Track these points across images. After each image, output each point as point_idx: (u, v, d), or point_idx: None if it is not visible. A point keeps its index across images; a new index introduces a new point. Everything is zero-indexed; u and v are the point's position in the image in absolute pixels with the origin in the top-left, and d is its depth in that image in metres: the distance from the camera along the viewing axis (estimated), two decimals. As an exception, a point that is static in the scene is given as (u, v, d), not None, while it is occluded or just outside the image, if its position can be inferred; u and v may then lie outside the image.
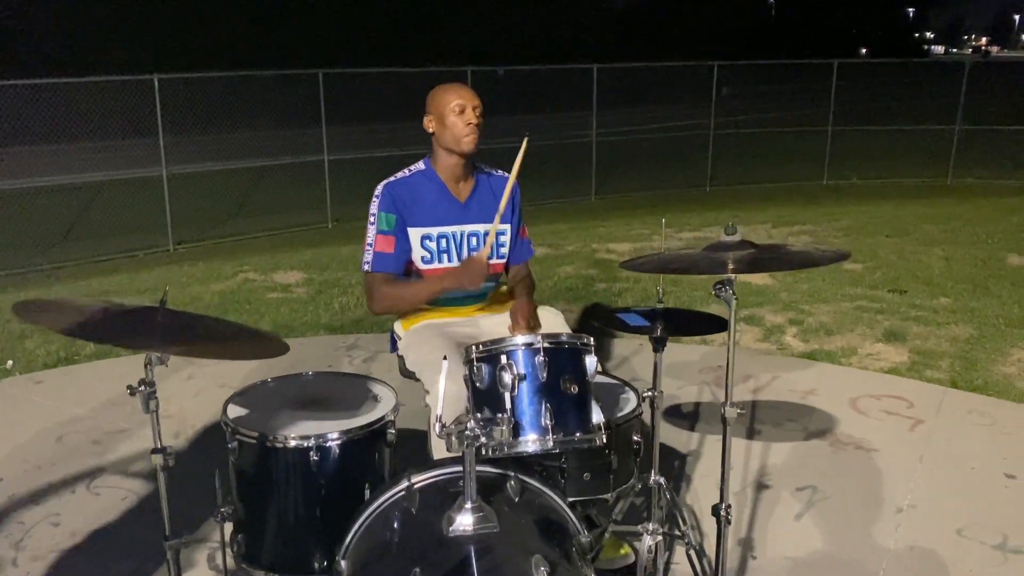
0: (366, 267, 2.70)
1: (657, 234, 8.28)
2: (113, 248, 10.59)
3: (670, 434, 3.71)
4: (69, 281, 8.25)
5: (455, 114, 2.62)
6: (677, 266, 1.97)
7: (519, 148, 2.41)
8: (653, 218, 9.66)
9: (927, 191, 12.89)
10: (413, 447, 2.60)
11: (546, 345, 1.87)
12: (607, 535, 2.63)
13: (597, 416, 1.92)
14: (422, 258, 2.71)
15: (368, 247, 2.69)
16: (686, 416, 3.95)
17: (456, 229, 2.72)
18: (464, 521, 1.78)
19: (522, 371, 1.85)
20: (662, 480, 2.59)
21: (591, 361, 1.94)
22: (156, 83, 10.68)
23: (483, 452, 1.82)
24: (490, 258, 2.66)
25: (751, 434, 3.76)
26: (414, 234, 2.68)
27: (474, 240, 2.75)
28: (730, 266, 1.82)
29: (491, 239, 2.65)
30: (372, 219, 2.68)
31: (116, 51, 21.24)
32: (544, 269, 6.63)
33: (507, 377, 1.84)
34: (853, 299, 5.80)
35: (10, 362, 4.79)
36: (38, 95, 10.96)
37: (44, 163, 13.79)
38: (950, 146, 14.16)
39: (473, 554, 1.76)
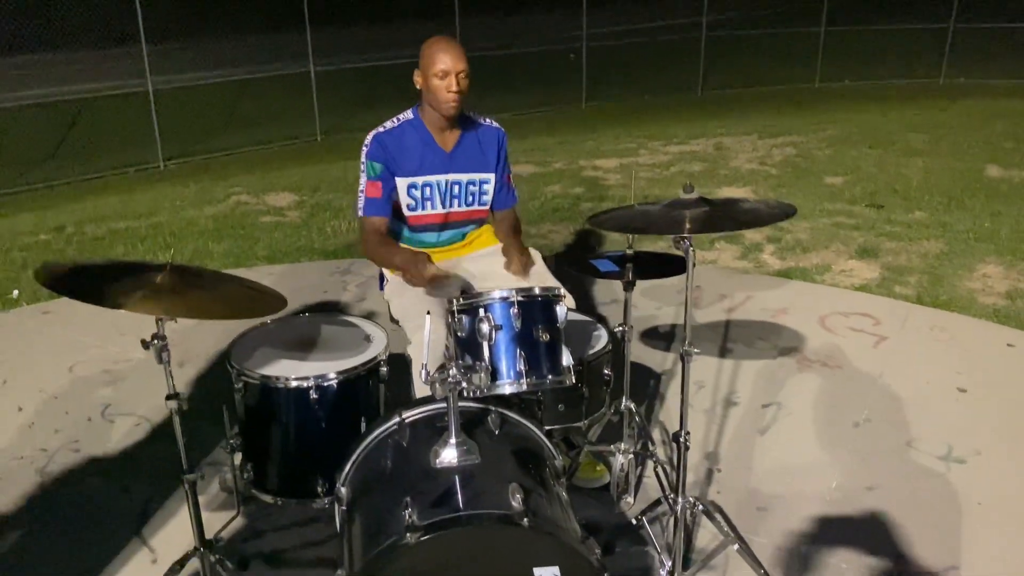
0: (360, 212, 2.87)
1: (645, 148, 8.36)
2: (103, 165, 10.61)
3: (646, 354, 3.95)
4: (62, 202, 8.33)
5: (438, 79, 2.71)
6: (638, 225, 2.13)
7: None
8: (641, 130, 9.71)
9: (919, 93, 12.86)
10: (401, 379, 2.80)
11: (520, 299, 2.06)
12: (584, 455, 2.89)
13: (567, 359, 2.12)
14: (408, 205, 2.87)
15: (360, 193, 2.85)
16: (662, 336, 4.18)
17: (441, 178, 2.87)
18: (449, 455, 2.00)
19: (498, 322, 2.05)
20: (632, 405, 2.82)
21: (561, 310, 2.13)
22: (137, -6, 10.51)
23: (464, 395, 2.03)
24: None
25: (723, 353, 4.00)
26: (401, 183, 2.83)
27: (456, 188, 2.89)
28: (687, 226, 1.99)
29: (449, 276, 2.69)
30: (362, 167, 2.84)
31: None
32: (531, 188, 6.77)
33: (485, 328, 2.03)
34: (831, 215, 5.97)
35: (16, 291, 4.97)
36: (15, 7, 10.75)
37: (25, 77, 13.63)
38: (944, 45, 14.04)
39: (458, 484, 1.98)
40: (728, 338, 4.15)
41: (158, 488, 2.99)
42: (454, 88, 2.71)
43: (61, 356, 4.11)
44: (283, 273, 5.21)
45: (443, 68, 2.71)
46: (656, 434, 3.31)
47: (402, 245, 2.93)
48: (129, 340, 4.24)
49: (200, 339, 4.16)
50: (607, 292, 4.60)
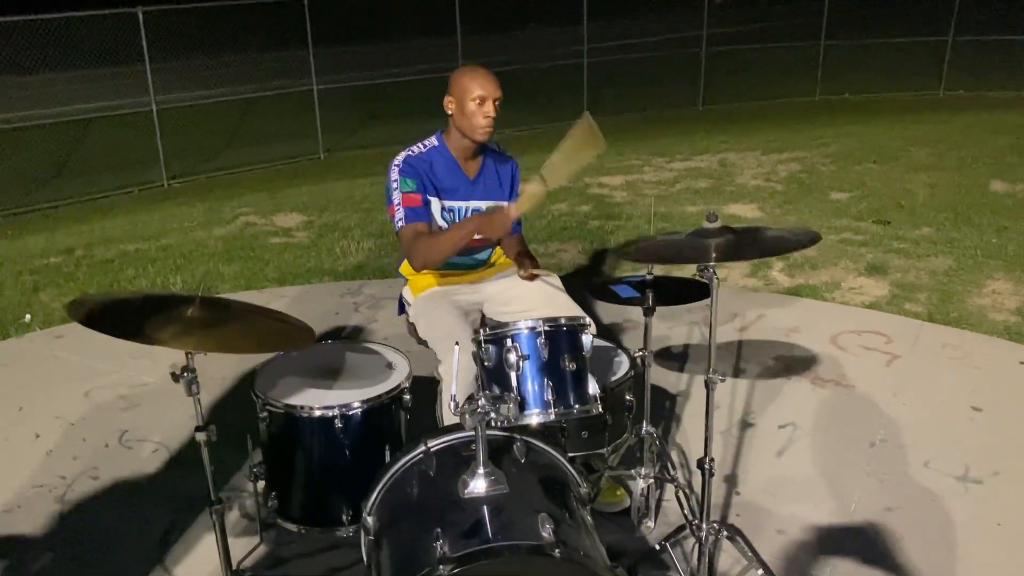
0: (400, 224, 2.77)
1: (649, 165, 8.40)
2: (107, 185, 10.67)
3: (660, 375, 3.96)
4: (69, 223, 8.37)
5: (475, 104, 2.72)
6: (665, 254, 2.16)
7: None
8: (645, 146, 9.75)
9: (919, 105, 12.91)
10: (420, 403, 2.81)
11: (546, 328, 2.08)
12: (604, 480, 2.90)
13: (593, 388, 2.14)
14: (437, 227, 2.88)
15: (397, 207, 2.78)
16: (675, 357, 4.19)
17: (464, 204, 2.89)
18: (478, 485, 2.01)
19: (525, 352, 2.07)
20: (653, 430, 2.84)
21: (587, 339, 2.15)
22: (140, 16, 10.59)
23: (492, 424, 2.04)
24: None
25: (737, 373, 4.01)
26: (434, 204, 2.84)
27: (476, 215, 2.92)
28: (713, 254, 2.01)
29: (525, 201, 2.56)
30: (395, 184, 2.79)
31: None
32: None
33: (512, 358, 2.05)
34: (838, 231, 5.99)
35: (28, 316, 4.98)
36: (19, 32, 10.78)
37: (27, 97, 13.69)
38: (943, 58, 14.11)
39: (487, 514, 1.99)
40: (741, 358, 4.16)
41: (179, 515, 2.99)
42: (492, 114, 2.73)
43: (76, 382, 4.11)
44: (294, 296, 5.22)
45: (481, 94, 2.73)
46: (674, 456, 3.31)
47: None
48: (143, 365, 4.25)
49: (212, 365, 4.16)
50: (618, 313, 4.61)
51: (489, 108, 2.73)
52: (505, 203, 2.85)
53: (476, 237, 2.66)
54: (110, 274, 5.73)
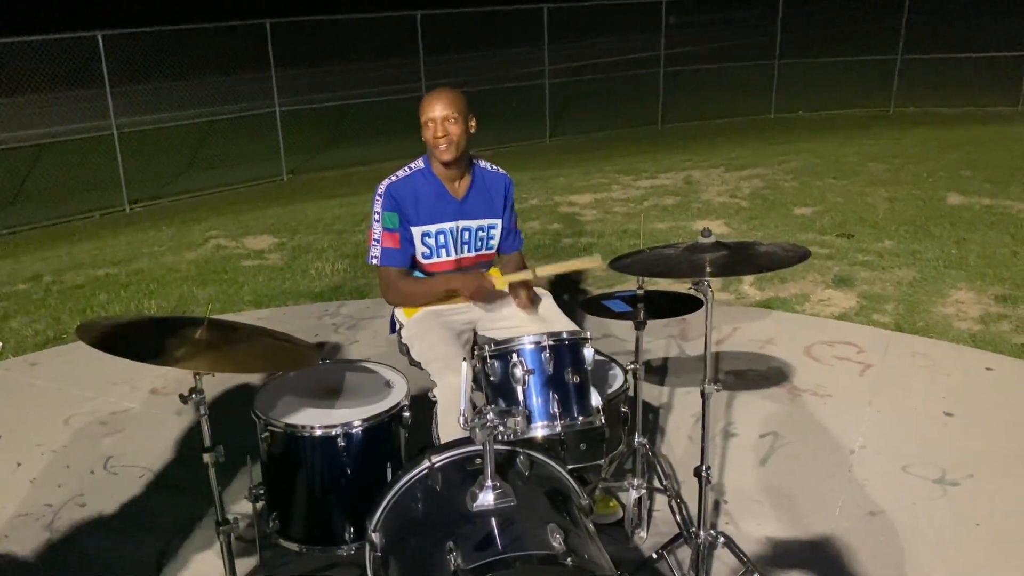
0: (374, 261, 2.91)
1: (616, 183, 8.53)
2: (67, 209, 10.53)
3: (643, 388, 4.02)
4: (32, 249, 8.24)
5: (427, 129, 2.82)
6: (661, 268, 2.23)
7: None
8: (610, 164, 9.90)
9: (871, 122, 13.29)
10: (416, 422, 2.84)
11: (551, 343, 2.13)
12: (597, 491, 2.95)
13: (596, 400, 2.20)
14: (423, 253, 2.93)
15: (375, 242, 2.89)
16: (655, 370, 4.26)
17: (453, 225, 2.94)
18: (486, 498, 2.05)
19: (531, 366, 2.11)
20: (645, 441, 2.90)
21: (588, 352, 2.20)
22: (100, 40, 10.49)
23: (499, 438, 2.08)
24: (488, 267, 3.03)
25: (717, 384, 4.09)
26: (415, 232, 2.90)
27: (467, 235, 2.97)
28: (707, 269, 2.09)
29: (508, 280, 2.92)
30: (376, 216, 2.88)
31: (58, 8, 20.38)
32: (510, 225, 6.85)
33: (519, 372, 2.10)
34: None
35: (0, 344, 4.90)
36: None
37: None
38: (892, 75, 14.56)
39: (497, 526, 2.03)
40: (720, 369, 4.25)
41: (172, 540, 2.98)
42: (439, 134, 2.80)
43: (55, 408, 4.06)
44: (271, 318, 5.21)
45: (429, 117, 2.82)
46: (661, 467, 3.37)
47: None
48: (122, 390, 4.21)
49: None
50: (598, 326, 4.67)
51: (437, 128, 2.80)
52: (488, 273, 2.94)
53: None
54: (82, 300, 5.65)
